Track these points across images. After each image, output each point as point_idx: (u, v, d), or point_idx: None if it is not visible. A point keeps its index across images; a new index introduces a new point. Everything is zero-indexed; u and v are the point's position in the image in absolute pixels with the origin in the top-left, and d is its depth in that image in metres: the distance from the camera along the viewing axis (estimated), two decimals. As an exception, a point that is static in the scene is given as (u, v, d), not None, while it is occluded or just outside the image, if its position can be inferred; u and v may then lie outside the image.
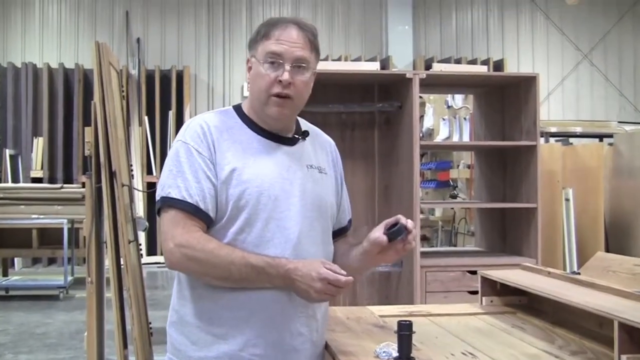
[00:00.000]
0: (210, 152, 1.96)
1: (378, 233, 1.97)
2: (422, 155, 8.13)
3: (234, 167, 1.95)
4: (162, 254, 10.87)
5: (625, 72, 13.85)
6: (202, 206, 1.92)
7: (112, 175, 3.66)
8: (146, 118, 11.74)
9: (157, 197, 1.97)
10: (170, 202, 1.93)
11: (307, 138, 2.11)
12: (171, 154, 1.99)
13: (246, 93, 13.41)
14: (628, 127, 8.38)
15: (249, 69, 2.04)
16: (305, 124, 2.18)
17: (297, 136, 2.09)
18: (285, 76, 1.95)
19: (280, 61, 1.96)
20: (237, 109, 2.09)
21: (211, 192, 1.93)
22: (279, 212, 1.96)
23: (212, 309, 1.96)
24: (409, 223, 1.96)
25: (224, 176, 1.94)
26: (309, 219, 2.01)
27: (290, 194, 1.99)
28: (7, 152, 11.37)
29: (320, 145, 2.18)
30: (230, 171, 1.94)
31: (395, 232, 1.95)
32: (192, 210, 1.91)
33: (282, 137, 2.05)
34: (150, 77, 11.98)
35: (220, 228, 1.95)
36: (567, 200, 5.25)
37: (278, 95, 1.97)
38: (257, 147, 2.01)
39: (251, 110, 2.06)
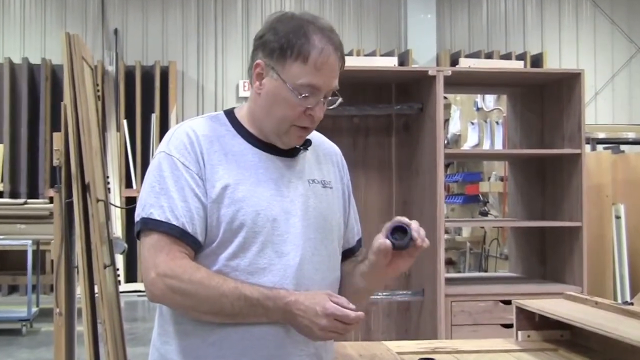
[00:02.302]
0: (198, 165, 1.97)
1: (382, 239, 1.96)
2: (447, 166, 8.13)
3: (226, 184, 1.96)
4: (142, 281, 10.81)
5: (686, 68, 13.87)
6: (189, 229, 1.93)
7: (85, 188, 3.68)
8: (125, 122, 11.78)
9: (137, 218, 1.98)
10: (153, 225, 1.94)
11: (309, 148, 2.12)
12: (153, 167, 2.00)
13: (242, 93, 13.45)
14: (690, 133, 8.37)
15: (259, 75, 2.02)
16: None
17: (297, 146, 2.09)
18: (319, 113, 1.99)
19: (315, 93, 1.97)
20: (229, 114, 2.10)
21: (200, 212, 1.94)
22: (277, 235, 1.97)
23: (199, 347, 1.96)
24: (414, 230, 1.94)
25: (215, 194, 1.95)
26: (312, 241, 2.02)
27: (290, 213, 2.00)
28: (-37, 161, 11.44)
29: (324, 155, 2.20)
30: (222, 188, 1.95)
31: (404, 245, 1.93)
32: (177, 234, 1.92)
33: (281, 148, 2.06)
34: (129, 74, 12.03)
35: (210, 253, 1.96)
36: (618, 217, 5.25)
37: (303, 127, 2.01)
38: (252, 159, 2.02)
39: (249, 120, 2.06)
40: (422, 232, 1.96)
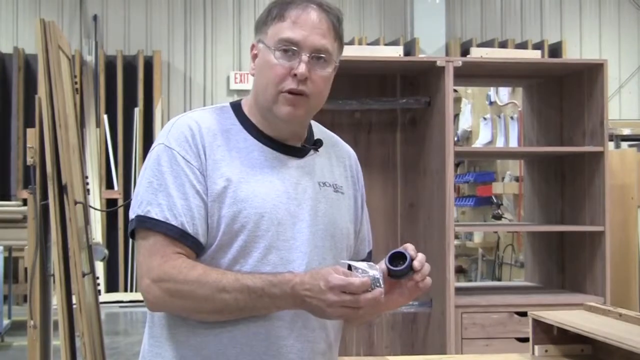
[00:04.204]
0: (199, 160, 1.97)
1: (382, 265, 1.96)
2: (457, 165, 8.13)
3: (228, 181, 1.97)
4: (125, 290, 10.89)
5: None
6: (189, 229, 1.93)
7: (61, 190, 3.68)
8: (105, 117, 11.78)
9: (132, 215, 1.98)
10: (149, 224, 1.94)
11: (320, 148, 2.13)
12: (150, 160, 2.01)
13: (234, 86, 13.45)
14: None
15: (254, 56, 2.06)
16: (319, 130, 2.20)
17: (307, 146, 2.10)
18: (302, 69, 1.97)
19: (296, 49, 1.98)
20: (236, 107, 2.11)
21: (201, 211, 1.95)
22: (282, 240, 1.98)
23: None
24: (417, 260, 1.92)
25: (216, 192, 1.96)
26: (320, 249, 2.03)
27: (297, 217, 2.01)
28: None
29: (337, 157, 2.20)
30: (224, 186, 1.96)
31: (400, 272, 1.91)
32: (176, 235, 1.93)
33: (289, 146, 2.07)
34: (110, 64, 12.02)
35: (209, 257, 1.97)
36: (644, 222, 5.24)
37: (290, 92, 1.99)
38: (258, 157, 2.03)
39: (254, 109, 2.08)
40: (427, 267, 1.94)
